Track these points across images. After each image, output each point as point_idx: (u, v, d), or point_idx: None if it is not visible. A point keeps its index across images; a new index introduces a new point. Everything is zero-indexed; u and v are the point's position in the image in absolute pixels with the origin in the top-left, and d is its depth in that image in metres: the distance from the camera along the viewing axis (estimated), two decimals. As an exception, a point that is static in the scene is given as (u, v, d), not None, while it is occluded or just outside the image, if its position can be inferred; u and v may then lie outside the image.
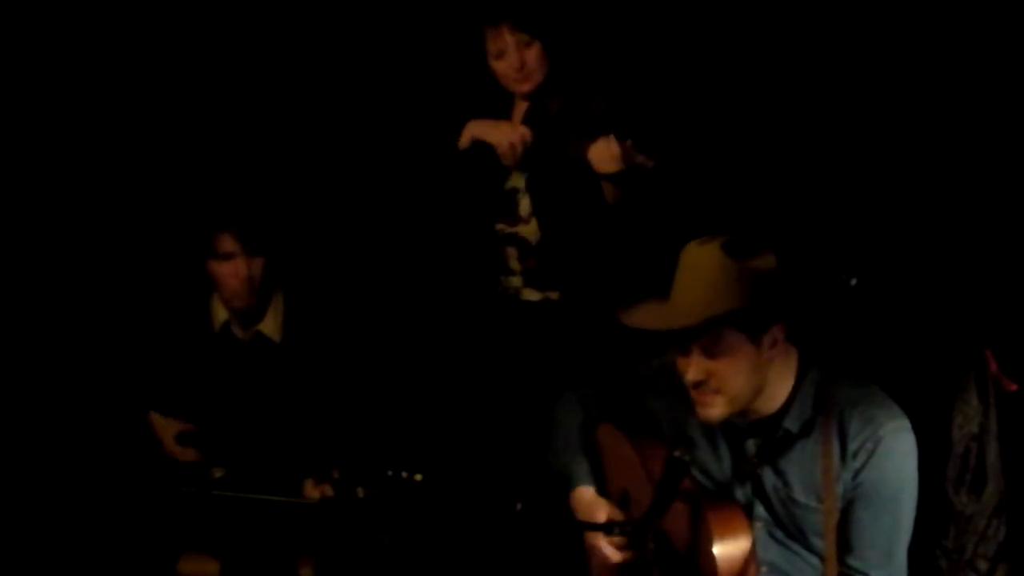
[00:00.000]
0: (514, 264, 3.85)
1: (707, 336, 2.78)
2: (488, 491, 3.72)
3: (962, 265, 3.64)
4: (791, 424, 2.87)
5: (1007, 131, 3.64)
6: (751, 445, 2.93)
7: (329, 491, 3.37)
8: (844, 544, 2.85)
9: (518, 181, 3.83)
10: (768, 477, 2.91)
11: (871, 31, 3.81)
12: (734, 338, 2.78)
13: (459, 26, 3.83)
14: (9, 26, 4.12)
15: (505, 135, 3.75)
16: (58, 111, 4.19)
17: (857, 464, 2.82)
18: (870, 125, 3.83)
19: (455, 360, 4.03)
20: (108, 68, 4.19)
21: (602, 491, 3.13)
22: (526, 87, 3.75)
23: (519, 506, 2.91)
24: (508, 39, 3.68)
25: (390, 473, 2.94)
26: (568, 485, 3.14)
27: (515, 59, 3.70)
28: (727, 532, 2.85)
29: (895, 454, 2.82)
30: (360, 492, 3.00)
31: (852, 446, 2.82)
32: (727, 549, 2.84)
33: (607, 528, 3.03)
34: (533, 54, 3.70)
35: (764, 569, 2.91)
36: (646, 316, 2.88)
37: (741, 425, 2.92)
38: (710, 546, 2.83)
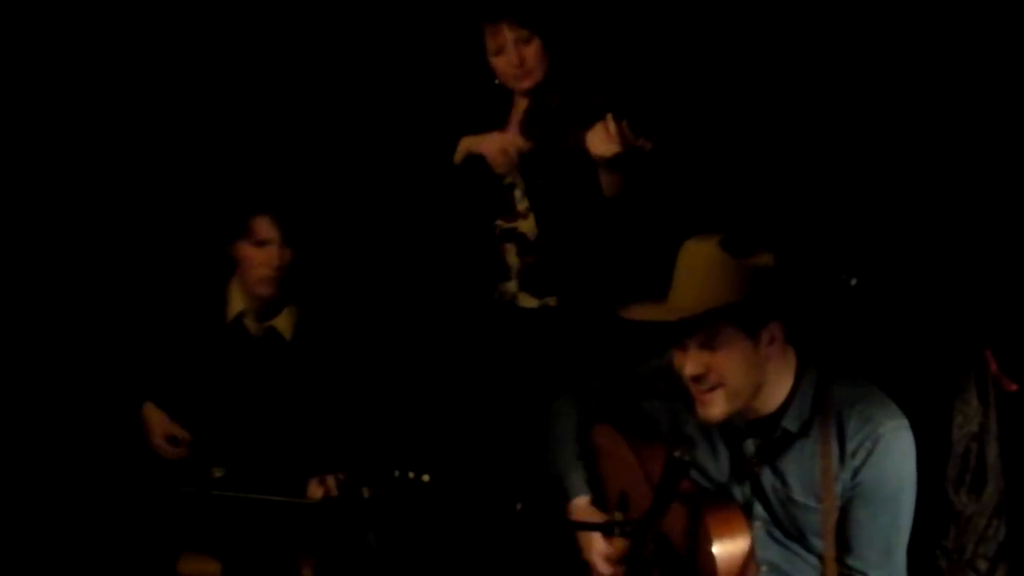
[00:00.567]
0: (512, 260, 3.85)
1: (705, 330, 2.78)
2: (488, 491, 3.72)
3: (962, 265, 3.64)
4: (790, 424, 2.87)
5: (1007, 131, 3.64)
6: (750, 445, 2.93)
7: (333, 490, 3.38)
8: (843, 544, 2.85)
9: (517, 177, 3.82)
10: (767, 477, 2.91)
11: (871, 31, 3.81)
12: (732, 333, 2.78)
13: (458, 23, 3.83)
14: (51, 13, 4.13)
15: (495, 142, 3.75)
16: (82, 91, 4.18)
17: (856, 463, 2.81)
18: (870, 125, 3.83)
19: (455, 364, 4.03)
20: (142, 51, 4.19)
21: (599, 493, 3.14)
22: (526, 84, 3.75)
23: (519, 506, 2.91)
24: (507, 36, 3.68)
25: (397, 473, 2.94)
26: (565, 495, 3.15)
27: (514, 56, 3.70)
28: (726, 532, 2.85)
29: (894, 453, 2.82)
30: (365, 492, 3.00)
31: (851, 445, 2.82)
32: (726, 549, 2.84)
33: (607, 528, 3.03)
34: (532, 51, 3.70)
35: (763, 569, 2.91)
36: (644, 310, 2.88)
37: (740, 425, 2.92)
38: (709, 546, 2.83)
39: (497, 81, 3.79)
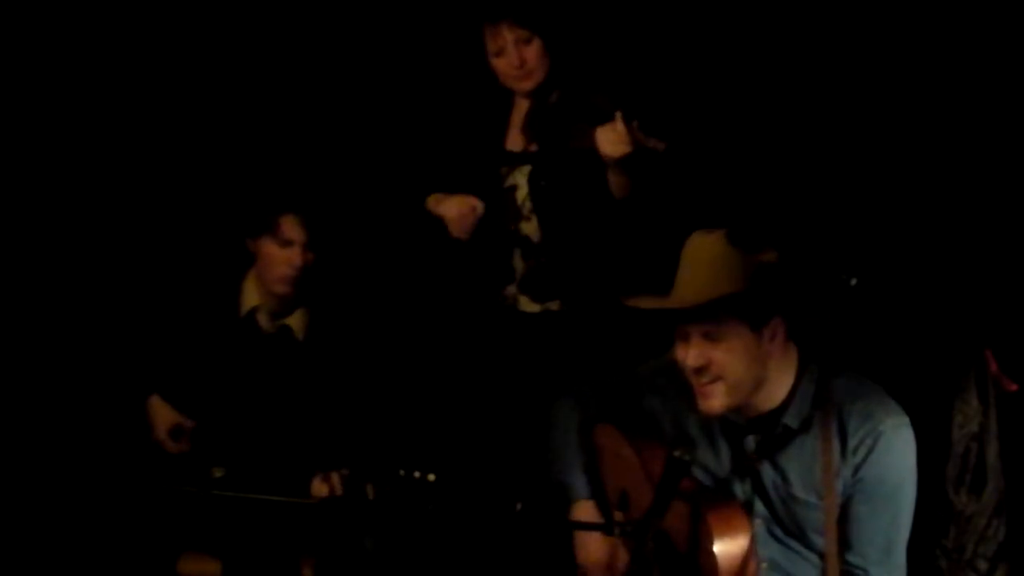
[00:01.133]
0: (517, 263, 3.85)
1: (708, 321, 2.79)
2: (489, 492, 3.72)
3: (962, 265, 3.64)
4: (791, 420, 2.88)
5: (1007, 131, 3.64)
6: (751, 441, 2.93)
7: (338, 488, 3.37)
8: (843, 541, 2.85)
9: (519, 178, 3.82)
10: (768, 474, 2.92)
11: (872, 30, 3.81)
12: (735, 324, 2.79)
13: (458, 25, 3.83)
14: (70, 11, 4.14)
15: (453, 207, 3.75)
16: (101, 81, 4.19)
17: (857, 460, 2.82)
18: (871, 125, 3.83)
19: (459, 367, 4.02)
20: (173, 45, 4.21)
21: (600, 492, 3.14)
22: (527, 85, 3.74)
23: (519, 506, 2.91)
24: (507, 36, 3.67)
25: (402, 473, 2.94)
26: (567, 499, 3.15)
27: (515, 57, 3.69)
28: (727, 530, 2.85)
29: (895, 450, 2.83)
30: (370, 490, 3.01)
31: (852, 442, 2.82)
32: (727, 547, 2.84)
33: (607, 528, 3.03)
34: (533, 51, 3.69)
35: (764, 566, 2.92)
36: (650, 300, 2.90)
37: (740, 422, 2.93)
38: (710, 545, 2.83)
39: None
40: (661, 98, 3.78)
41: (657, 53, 3.98)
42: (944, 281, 3.65)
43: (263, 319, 3.71)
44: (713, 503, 2.89)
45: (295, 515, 3.49)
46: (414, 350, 4.02)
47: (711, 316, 2.78)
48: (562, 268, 3.80)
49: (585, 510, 3.12)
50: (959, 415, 3.52)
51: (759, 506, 2.94)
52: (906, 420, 2.86)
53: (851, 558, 2.86)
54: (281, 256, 3.60)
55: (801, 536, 2.92)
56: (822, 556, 2.87)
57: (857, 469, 2.82)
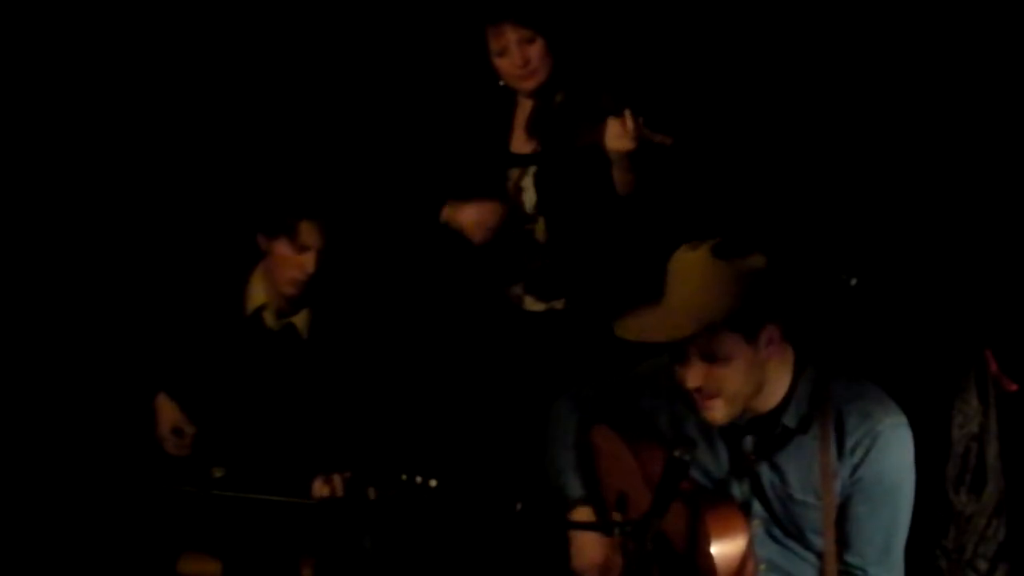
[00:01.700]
0: (523, 263, 3.84)
1: (704, 339, 2.78)
2: (489, 492, 3.72)
3: (962, 265, 3.64)
4: (789, 420, 2.88)
5: (1007, 131, 3.64)
6: (749, 442, 2.93)
7: (339, 489, 3.36)
8: (842, 541, 2.85)
9: (525, 179, 3.82)
10: (766, 475, 2.92)
11: (871, 31, 3.81)
12: (731, 339, 2.78)
13: (461, 24, 3.82)
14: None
15: (471, 214, 3.75)
16: (110, 77, 4.19)
17: (855, 460, 2.82)
18: (870, 125, 3.83)
19: (461, 367, 4.02)
20: (188, 42, 4.22)
21: (597, 494, 3.13)
22: (530, 84, 3.74)
23: (519, 506, 2.91)
24: (510, 36, 3.67)
25: (404, 476, 2.93)
26: (565, 503, 3.14)
27: (518, 56, 3.68)
28: (725, 531, 2.85)
29: (892, 449, 2.82)
30: (371, 493, 3.00)
31: (850, 442, 2.82)
32: (725, 548, 2.84)
33: (606, 528, 3.03)
34: (536, 51, 3.69)
35: (762, 567, 2.92)
36: (643, 327, 2.87)
37: (739, 423, 2.92)
38: (708, 545, 2.83)
39: (502, 83, 3.78)
40: (662, 97, 3.78)
41: (658, 52, 3.98)
42: (944, 281, 3.65)
43: (269, 318, 3.69)
44: (711, 504, 2.89)
45: (295, 515, 3.49)
46: (418, 349, 4.02)
47: (707, 332, 2.77)
48: (568, 268, 3.80)
49: (582, 512, 3.12)
50: (959, 415, 3.52)
51: (757, 507, 2.94)
52: (904, 420, 2.85)
53: (850, 558, 2.86)
54: (295, 260, 3.57)
55: (799, 536, 2.92)
56: (820, 556, 2.88)
57: (855, 469, 2.82)
